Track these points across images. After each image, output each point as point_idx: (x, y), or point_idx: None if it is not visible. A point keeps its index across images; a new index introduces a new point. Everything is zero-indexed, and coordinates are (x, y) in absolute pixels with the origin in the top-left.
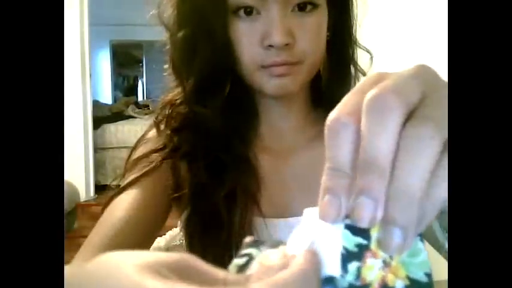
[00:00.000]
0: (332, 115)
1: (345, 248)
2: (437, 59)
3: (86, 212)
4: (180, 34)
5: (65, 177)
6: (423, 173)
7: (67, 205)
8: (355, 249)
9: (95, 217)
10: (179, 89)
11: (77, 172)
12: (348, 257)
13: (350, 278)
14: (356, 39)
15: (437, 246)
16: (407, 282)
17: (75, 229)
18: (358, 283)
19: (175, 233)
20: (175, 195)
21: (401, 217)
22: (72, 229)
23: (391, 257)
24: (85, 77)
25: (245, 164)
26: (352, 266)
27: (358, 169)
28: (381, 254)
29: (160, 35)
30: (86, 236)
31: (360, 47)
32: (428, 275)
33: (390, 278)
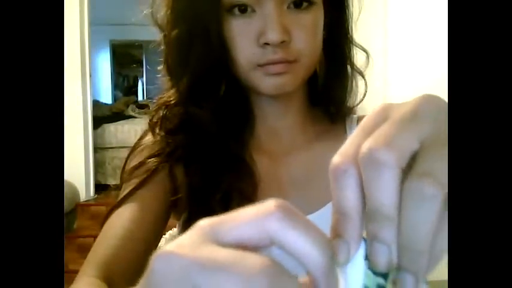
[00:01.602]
0: (335, 159)
1: (366, 287)
2: (436, 56)
3: (86, 212)
4: (173, 33)
5: (65, 177)
6: (427, 229)
7: (67, 205)
8: None
9: (95, 217)
10: (174, 90)
11: (77, 172)
12: None
13: None
14: (352, 37)
15: None
16: None
17: (75, 229)
18: None
19: (175, 233)
20: (173, 198)
21: (411, 266)
22: (72, 229)
23: None
24: (85, 77)
25: (241, 165)
26: None
27: (366, 216)
28: None
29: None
30: (85, 236)
31: (356, 46)
32: None
33: None
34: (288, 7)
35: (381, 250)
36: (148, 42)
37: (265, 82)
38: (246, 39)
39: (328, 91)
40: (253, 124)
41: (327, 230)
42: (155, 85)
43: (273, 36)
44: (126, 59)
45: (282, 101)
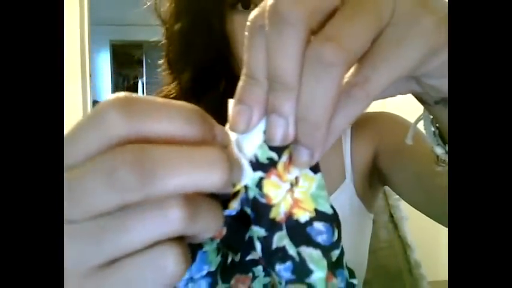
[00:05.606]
0: (252, 14)
1: (256, 158)
2: None
3: None
4: (176, 27)
5: None
6: (325, 101)
7: None
8: (266, 162)
9: None
10: (174, 84)
11: None
12: (255, 166)
13: (251, 186)
14: None
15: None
16: (314, 215)
17: None
18: (263, 200)
19: None
20: None
21: (307, 140)
22: None
23: (296, 180)
24: (85, 77)
25: None
26: (255, 174)
27: (268, 84)
28: (287, 177)
29: (160, 34)
30: None
31: None
32: (332, 207)
33: (297, 212)
34: None
35: (278, 122)
36: (149, 42)
37: None
38: None
39: None
40: None
41: None
42: (155, 85)
43: None
44: (126, 59)
45: None
